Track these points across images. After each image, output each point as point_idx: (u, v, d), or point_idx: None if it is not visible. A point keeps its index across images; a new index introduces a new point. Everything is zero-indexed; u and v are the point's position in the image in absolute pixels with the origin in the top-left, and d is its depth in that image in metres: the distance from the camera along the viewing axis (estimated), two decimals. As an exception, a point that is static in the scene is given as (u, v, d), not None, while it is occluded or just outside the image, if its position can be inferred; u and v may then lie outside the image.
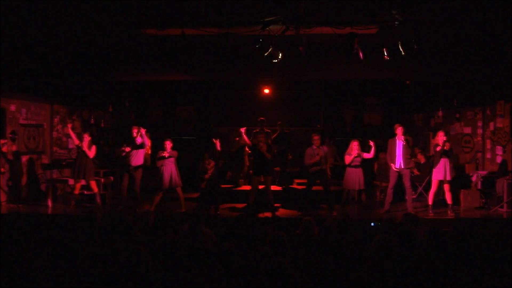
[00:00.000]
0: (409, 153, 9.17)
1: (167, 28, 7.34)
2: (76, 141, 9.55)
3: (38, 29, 7.52)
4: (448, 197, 8.94)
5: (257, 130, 10.65)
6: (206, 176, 10.07)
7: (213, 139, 9.46)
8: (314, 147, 9.34)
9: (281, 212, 9.40)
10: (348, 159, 9.40)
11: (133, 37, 8.09)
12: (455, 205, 9.37)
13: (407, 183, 9.07)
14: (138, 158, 9.49)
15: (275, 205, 9.18)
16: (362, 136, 10.89)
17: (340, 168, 10.77)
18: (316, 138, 9.39)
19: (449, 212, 8.89)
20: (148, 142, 9.57)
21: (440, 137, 8.95)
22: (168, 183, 9.13)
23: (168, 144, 9.23)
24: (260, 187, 9.14)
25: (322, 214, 8.37)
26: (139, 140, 9.45)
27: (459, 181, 10.22)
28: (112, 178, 10.82)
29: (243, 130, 9.04)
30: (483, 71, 8.88)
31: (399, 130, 9.10)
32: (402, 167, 9.03)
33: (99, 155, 10.88)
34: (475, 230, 4.87)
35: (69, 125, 9.90)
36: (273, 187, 9.56)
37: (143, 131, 9.35)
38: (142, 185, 9.65)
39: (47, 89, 10.70)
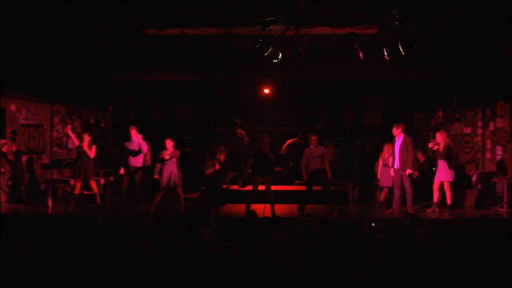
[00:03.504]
0: (408, 155, 8.91)
1: (167, 28, 7.35)
2: (76, 142, 9.53)
3: (38, 29, 7.53)
4: (448, 197, 8.93)
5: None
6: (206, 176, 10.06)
7: (217, 154, 9.48)
8: (312, 147, 9.34)
9: (281, 211, 9.38)
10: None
11: (133, 37, 8.09)
12: (456, 205, 9.36)
13: (406, 183, 9.03)
14: (138, 159, 9.48)
15: (275, 205, 9.17)
16: (362, 136, 10.88)
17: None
18: (313, 138, 9.39)
19: (449, 212, 8.89)
20: (145, 148, 9.51)
21: (436, 138, 9.00)
22: (166, 182, 9.08)
23: (169, 143, 9.17)
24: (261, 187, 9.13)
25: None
26: (136, 143, 9.40)
27: (459, 181, 10.20)
28: (112, 178, 10.82)
29: (238, 121, 8.95)
30: (483, 71, 8.88)
31: (394, 130, 9.08)
32: (398, 167, 9.01)
33: (99, 155, 10.87)
34: (475, 230, 4.87)
35: (69, 127, 9.89)
36: (273, 187, 9.54)
37: (139, 137, 9.34)
38: (142, 185, 9.65)
39: (47, 89, 10.69)
